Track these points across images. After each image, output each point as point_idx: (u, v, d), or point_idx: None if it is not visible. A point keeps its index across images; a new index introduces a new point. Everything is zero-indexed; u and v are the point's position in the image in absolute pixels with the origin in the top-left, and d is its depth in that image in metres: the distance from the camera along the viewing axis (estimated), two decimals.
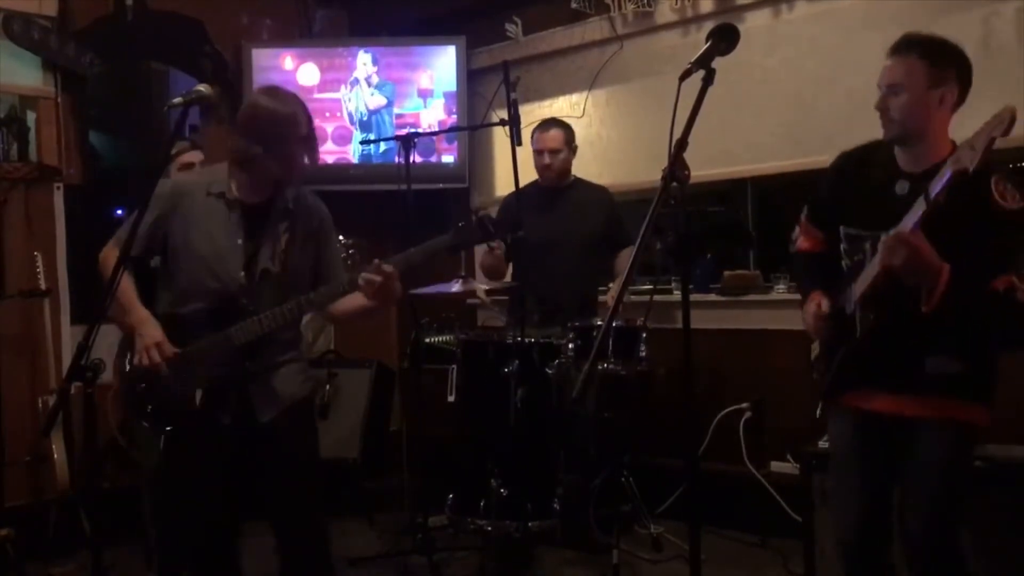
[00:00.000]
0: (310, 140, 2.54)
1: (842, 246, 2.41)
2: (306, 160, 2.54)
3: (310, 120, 2.54)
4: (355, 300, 2.53)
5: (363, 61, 5.11)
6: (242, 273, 2.52)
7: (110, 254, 2.59)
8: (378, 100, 5.11)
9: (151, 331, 2.49)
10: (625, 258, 4.18)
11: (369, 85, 5.11)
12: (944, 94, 2.23)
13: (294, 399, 2.62)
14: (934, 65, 2.22)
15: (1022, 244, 2.19)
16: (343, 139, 5.15)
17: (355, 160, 5.15)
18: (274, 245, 2.55)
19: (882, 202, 2.29)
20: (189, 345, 2.51)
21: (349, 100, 5.11)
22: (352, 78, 5.11)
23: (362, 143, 4.98)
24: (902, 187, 2.28)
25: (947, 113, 2.26)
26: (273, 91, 2.55)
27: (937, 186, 2.02)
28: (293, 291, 2.54)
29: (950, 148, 2.24)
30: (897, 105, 2.23)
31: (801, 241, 2.60)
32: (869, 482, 2.41)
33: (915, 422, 2.29)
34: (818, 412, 2.49)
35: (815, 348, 2.52)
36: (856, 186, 2.40)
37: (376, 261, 2.41)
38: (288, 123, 2.46)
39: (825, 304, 2.40)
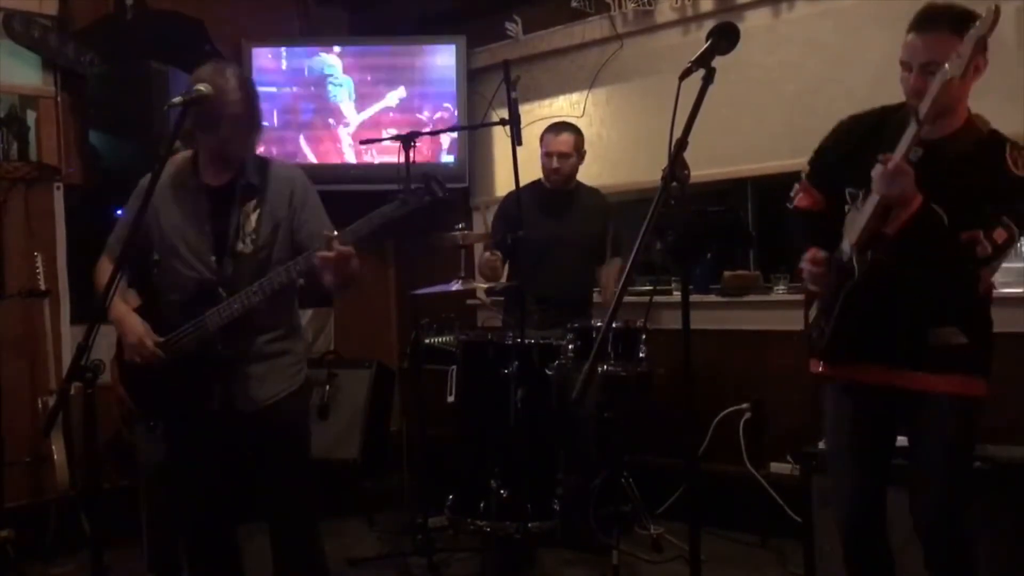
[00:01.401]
0: (245, 119, 2.47)
1: (846, 207, 2.38)
2: (243, 141, 2.49)
3: (249, 99, 2.47)
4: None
5: (364, 61, 5.11)
6: (213, 259, 2.52)
7: (103, 267, 2.63)
8: (380, 98, 5.10)
9: (133, 327, 2.51)
10: (606, 270, 4.21)
11: (372, 84, 5.11)
12: (977, 64, 2.18)
13: (282, 393, 2.61)
14: (963, 35, 2.15)
15: (1016, 210, 2.18)
16: (343, 139, 5.15)
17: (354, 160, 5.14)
18: (243, 225, 2.53)
19: None
20: (171, 335, 2.53)
21: (352, 100, 5.11)
22: (353, 78, 5.11)
23: (362, 143, 4.97)
24: (916, 153, 2.22)
25: (971, 84, 2.24)
26: (211, 67, 2.47)
27: (927, 103, 2.03)
28: (269, 269, 2.52)
29: (966, 115, 2.27)
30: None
31: (800, 199, 2.58)
32: (866, 454, 2.43)
33: (919, 396, 2.30)
34: (820, 368, 2.46)
35: (813, 309, 2.51)
36: (867, 151, 2.34)
37: (326, 234, 2.35)
38: (218, 101, 2.40)
39: (822, 252, 2.38)
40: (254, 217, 2.54)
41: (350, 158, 5.14)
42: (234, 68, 2.52)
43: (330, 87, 5.12)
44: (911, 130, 2.10)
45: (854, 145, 2.42)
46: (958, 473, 2.32)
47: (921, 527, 2.35)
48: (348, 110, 5.13)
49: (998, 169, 2.17)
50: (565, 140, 4.10)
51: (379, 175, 5.03)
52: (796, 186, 2.61)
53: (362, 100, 5.12)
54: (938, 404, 2.28)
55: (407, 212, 2.45)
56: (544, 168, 4.15)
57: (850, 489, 2.45)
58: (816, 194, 2.55)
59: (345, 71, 5.11)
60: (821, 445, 3.22)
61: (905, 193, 2.11)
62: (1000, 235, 2.15)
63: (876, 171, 2.14)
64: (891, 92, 2.40)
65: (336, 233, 2.36)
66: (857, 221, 2.27)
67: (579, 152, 4.15)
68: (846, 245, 2.31)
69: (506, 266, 4.10)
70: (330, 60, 5.12)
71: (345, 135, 5.14)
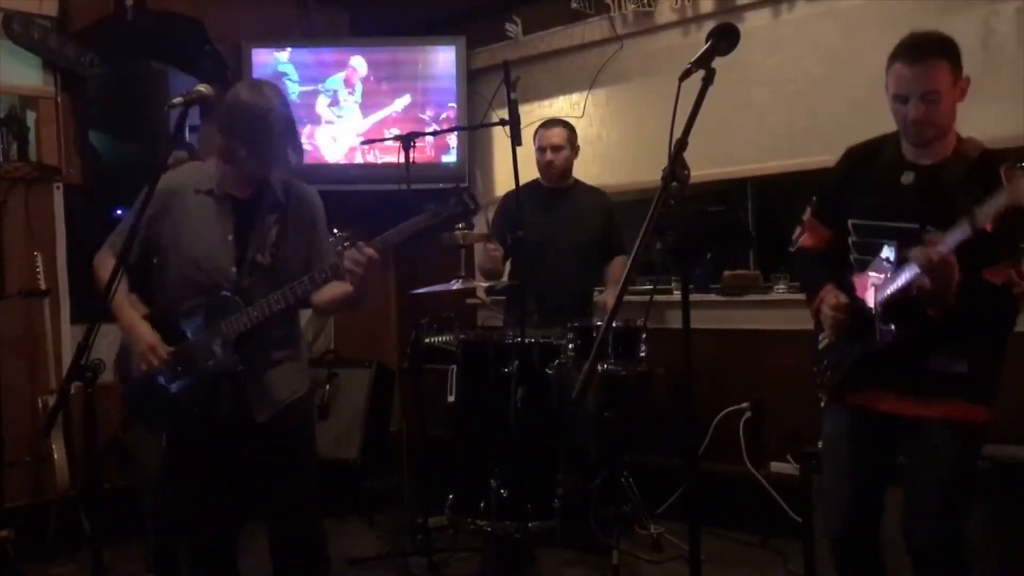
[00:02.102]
0: (291, 134, 2.50)
1: (850, 239, 2.41)
2: (290, 155, 2.51)
3: (290, 113, 2.50)
4: (336, 290, 2.53)
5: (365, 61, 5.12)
6: (233, 269, 2.52)
7: (104, 260, 2.62)
8: (381, 97, 5.10)
9: (143, 335, 2.50)
10: (618, 266, 4.21)
11: (373, 83, 5.10)
12: (963, 85, 2.25)
13: (292, 398, 2.62)
14: (953, 62, 2.23)
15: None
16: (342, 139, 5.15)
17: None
18: (264, 238, 2.54)
19: (888, 192, 2.31)
20: (183, 343, 2.51)
21: (356, 100, 5.11)
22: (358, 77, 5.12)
23: (363, 143, 4.97)
24: (907, 177, 2.30)
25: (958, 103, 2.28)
26: (253, 85, 2.52)
27: (988, 215, 1.99)
28: (284, 282, 2.53)
29: (956, 140, 2.28)
30: (936, 111, 2.22)
31: (804, 239, 2.59)
32: (860, 476, 2.42)
33: (919, 422, 2.29)
34: (822, 403, 2.47)
35: (823, 339, 2.51)
36: (863, 178, 2.41)
37: (359, 244, 2.38)
38: (268, 119, 2.43)
39: (843, 297, 2.39)
40: (275, 231, 2.55)
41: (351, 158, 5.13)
42: (270, 84, 2.54)
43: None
44: (963, 232, 2.04)
45: (850, 174, 2.46)
46: (952, 500, 2.29)
47: (913, 551, 2.34)
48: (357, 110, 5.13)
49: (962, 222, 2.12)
50: (558, 133, 4.11)
51: (379, 175, 5.03)
52: (798, 228, 2.62)
53: (363, 100, 5.12)
54: (933, 430, 2.28)
55: (439, 223, 2.47)
56: (539, 164, 4.15)
57: (843, 507, 2.44)
58: (823, 230, 2.55)
59: (348, 70, 5.12)
60: (821, 445, 3.23)
61: (949, 283, 2.09)
62: None
63: (920, 254, 2.10)
64: None
65: (363, 244, 2.39)
66: (887, 284, 2.26)
67: (572, 145, 4.15)
68: (870, 299, 2.30)
69: (507, 264, 4.10)
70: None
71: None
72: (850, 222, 2.40)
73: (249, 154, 2.46)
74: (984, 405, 2.30)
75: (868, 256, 2.36)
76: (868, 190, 2.38)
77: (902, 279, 2.20)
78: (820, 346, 2.51)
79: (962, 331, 2.23)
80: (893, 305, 2.24)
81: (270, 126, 2.44)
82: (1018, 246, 2.16)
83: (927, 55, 2.21)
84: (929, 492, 2.31)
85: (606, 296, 4.16)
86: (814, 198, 2.60)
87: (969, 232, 2.02)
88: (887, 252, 2.29)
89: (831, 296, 2.40)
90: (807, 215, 2.60)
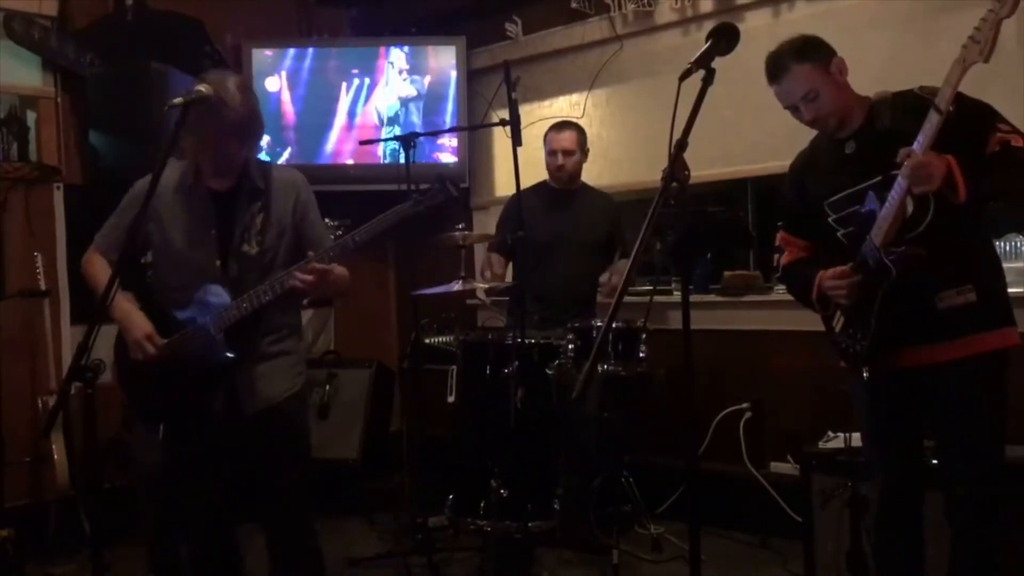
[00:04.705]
0: (244, 128, 2.46)
1: (830, 219, 2.47)
2: (239, 149, 2.48)
3: (249, 107, 2.45)
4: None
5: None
6: (218, 263, 2.53)
7: (92, 259, 2.65)
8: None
9: (138, 323, 2.51)
10: (623, 266, 4.19)
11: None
12: (837, 68, 2.39)
13: (284, 394, 2.62)
14: (811, 59, 2.38)
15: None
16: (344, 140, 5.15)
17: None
18: (249, 227, 2.54)
19: (841, 166, 2.43)
20: (176, 336, 2.53)
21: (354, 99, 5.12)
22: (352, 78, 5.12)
23: (361, 143, 4.97)
24: (849, 147, 2.43)
25: (847, 79, 2.42)
26: (212, 80, 2.45)
27: (947, 95, 2.09)
28: (274, 271, 2.54)
29: (866, 100, 2.41)
30: (823, 104, 2.37)
31: (784, 257, 2.65)
32: (898, 435, 2.45)
33: (943, 367, 2.31)
34: (865, 374, 2.44)
35: (838, 320, 2.51)
36: (814, 173, 2.53)
37: (309, 256, 2.44)
38: (216, 109, 2.38)
39: (839, 269, 2.42)
40: (259, 219, 2.55)
41: (349, 159, 5.13)
42: (236, 78, 2.51)
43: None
44: (934, 121, 2.12)
45: (802, 177, 2.58)
46: (983, 432, 2.32)
47: (948, 499, 2.36)
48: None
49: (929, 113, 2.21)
50: (569, 137, 4.11)
51: (379, 175, 5.03)
52: (776, 255, 2.69)
53: (361, 99, 5.13)
54: (951, 373, 2.30)
55: (421, 211, 2.47)
56: (549, 167, 4.15)
57: (886, 470, 2.48)
58: (799, 242, 2.62)
59: (345, 71, 5.12)
60: (821, 444, 3.24)
61: (941, 174, 2.12)
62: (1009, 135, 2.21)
63: (903, 167, 2.16)
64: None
65: (311, 253, 2.44)
66: (880, 222, 2.28)
67: (583, 149, 4.17)
68: (869, 249, 2.31)
69: (509, 266, 4.11)
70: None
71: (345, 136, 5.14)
72: (825, 204, 2.47)
73: (197, 145, 2.45)
74: (1000, 329, 2.32)
75: (852, 227, 2.42)
76: (825, 175, 2.48)
77: (893, 202, 2.22)
78: (837, 328, 2.50)
79: (960, 262, 2.28)
80: (899, 233, 2.26)
81: (219, 116, 2.40)
82: (990, 118, 2.25)
83: (784, 69, 2.40)
84: (961, 427, 2.32)
85: (608, 276, 4.09)
86: (779, 223, 2.69)
87: (937, 119, 2.11)
88: (869, 201, 2.33)
89: (826, 273, 2.43)
90: (779, 239, 2.67)
